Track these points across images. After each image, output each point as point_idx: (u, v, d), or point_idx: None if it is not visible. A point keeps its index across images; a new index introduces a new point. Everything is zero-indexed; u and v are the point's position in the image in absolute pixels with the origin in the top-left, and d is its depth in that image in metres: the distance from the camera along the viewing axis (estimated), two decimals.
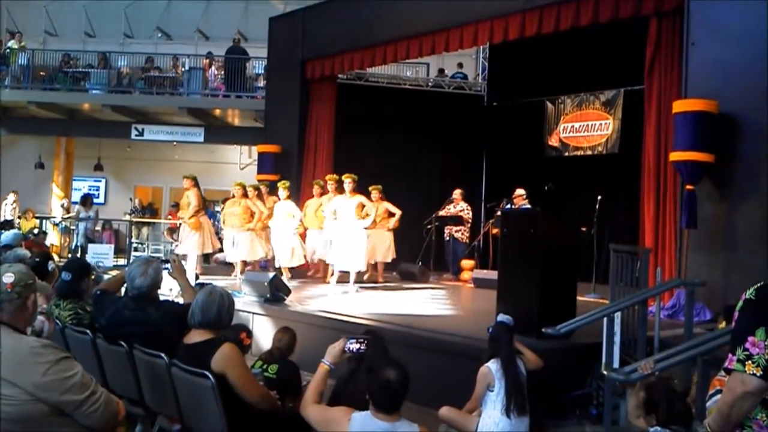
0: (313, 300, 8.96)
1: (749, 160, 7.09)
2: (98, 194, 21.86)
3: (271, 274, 8.80)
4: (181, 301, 4.86)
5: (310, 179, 12.09)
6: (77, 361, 2.92)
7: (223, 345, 3.63)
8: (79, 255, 14.11)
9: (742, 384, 2.28)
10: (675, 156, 7.38)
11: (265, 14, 14.91)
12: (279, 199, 10.86)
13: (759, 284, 2.36)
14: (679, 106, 7.39)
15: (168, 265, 4.79)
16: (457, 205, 11.66)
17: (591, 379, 5.74)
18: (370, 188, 10.50)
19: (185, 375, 3.65)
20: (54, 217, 18.40)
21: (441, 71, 16.26)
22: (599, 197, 10.06)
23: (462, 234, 11.76)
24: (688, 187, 7.34)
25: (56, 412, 2.76)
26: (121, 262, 14.04)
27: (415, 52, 11.30)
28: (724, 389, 2.39)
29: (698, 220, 7.29)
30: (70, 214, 17.74)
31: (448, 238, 11.90)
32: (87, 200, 16.10)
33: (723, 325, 4.97)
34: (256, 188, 11.37)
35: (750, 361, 2.27)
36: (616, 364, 5.35)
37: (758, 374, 2.25)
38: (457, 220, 11.69)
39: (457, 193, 11.73)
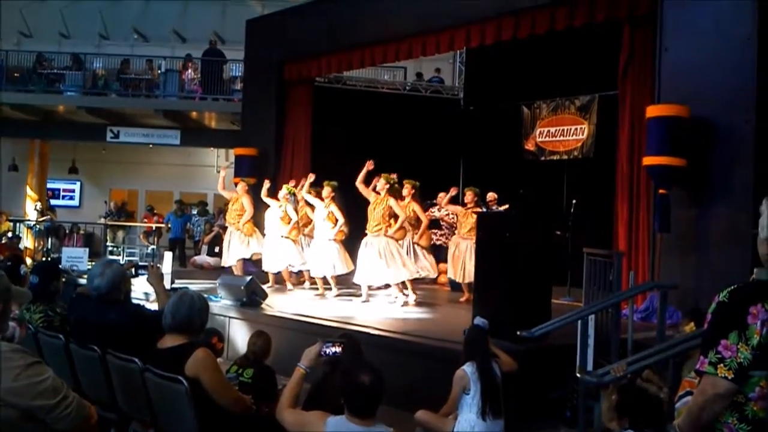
0: (289, 304, 8.95)
1: (721, 164, 7.18)
2: (73, 197, 21.68)
3: (248, 278, 8.77)
4: (155, 306, 4.84)
5: (287, 182, 12.02)
6: (48, 365, 2.90)
7: (197, 350, 3.62)
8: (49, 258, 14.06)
9: (713, 386, 2.30)
10: (648, 160, 7.46)
11: (243, 16, 14.85)
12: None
13: (732, 287, 2.36)
14: (651, 111, 7.47)
15: (144, 271, 4.77)
16: (442, 209, 11.65)
17: (565, 381, 5.78)
18: (405, 182, 9.86)
19: (159, 380, 3.63)
20: (28, 221, 18.19)
21: (419, 75, 16.31)
22: (574, 201, 10.16)
23: (447, 238, 11.74)
24: (660, 191, 7.42)
25: (27, 417, 2.74)
26: None
27: (392, 56, 11.31)
28: (696, 391, 2.40)
29: (671, 223, 7.37)
30: (44, 218, 17.58)
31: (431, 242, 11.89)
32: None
33: (692, 326, 5.02)
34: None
35: (722, 364, 2.27)
36: (590, 367, 5.39)
37: (729, 377, 2.26)
38: (435, 223, 11.69)
39: (441, 197, 11.69)
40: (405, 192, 9.75)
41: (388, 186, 9.20)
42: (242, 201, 10.72)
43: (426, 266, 10.17)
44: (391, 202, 9.16)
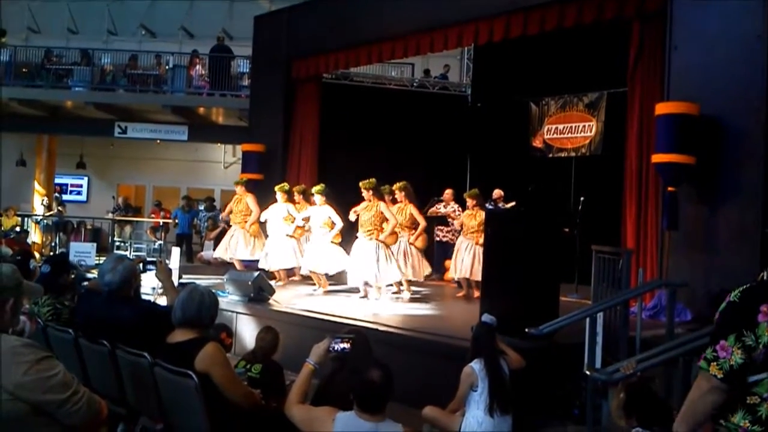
0: (297, 299, 8.96)
1: (730, 163, 7.16)
2: (81, 192, 21.74)
3: (255, 274, 8.78)
4: (162, 301, 4.85)
5: (294, 179, 12.04)
6: (58, 360, 2.91)
7: (206, 344, 3.62)
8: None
9: (707, 381, 2.37)
10: (657, 158, 7.45)
11: (250, 12, 14.86)
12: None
13: (743, 287, 2.39)
14: (660, 108, 7.45)
15: (153, 267, 4.79)
16: (448, 206, 11.64)
17: (573, 379, 5.77)
18: (393, 187, 9.74)
19: (168, 375, 3.63)
20: (36, 215, 18.26)
21: (426, 72, 16.28)
22: (582, 198, 10.14)
23: (453, 235, 11.74)
24: (669, 188, 7.41)
25: (37, 411, 2.74)
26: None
27: (400, 52, 11.30)
28: (693, 386, 2.46)
29: (679, 221, 7.36)
30: (51, 213, 17.64)
31: (437, 239, 11.89)
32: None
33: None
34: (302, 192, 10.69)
35: (715, 363, 2.34)
36: (598, 364, 5.38)
37: (719, 377, 2.33)
38: (441, 220, 11.68)
39: (447, 193, 11.67)
40: (398, 197, 9.65)
41: (371, 191, 9.11)
42: (246, 201, 10.70)
43: (416, 269, 9.96)
44: (382, 206, 9.11)
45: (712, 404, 2.37)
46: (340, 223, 9.66)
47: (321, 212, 9.80)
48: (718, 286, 6.79)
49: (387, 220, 9.08)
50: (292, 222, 10.23)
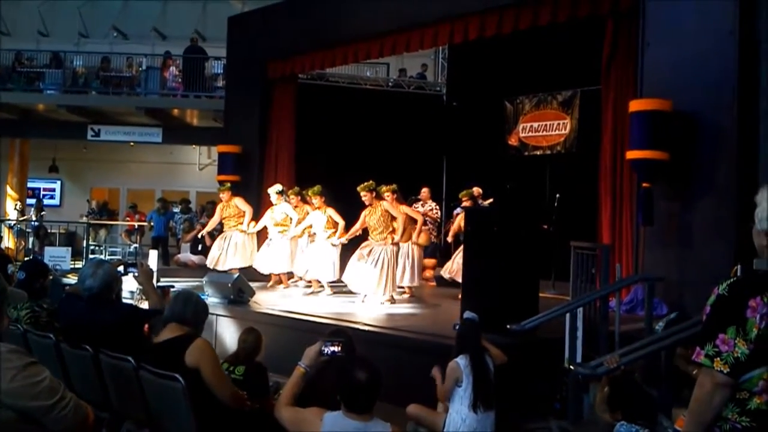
0: (277, 301, 8.94)
1: (703, 158, 7.26)
2: (54, 196, 21.49)
3: (235, 276, 8.75)
4: (145, 306, 4.83)
5: (271, 179, 11.99)
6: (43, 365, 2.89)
7: (196, 339, 3.63)
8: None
9: (711, 377, 2.29)
10: (631, 154, 7.53)
11: (223, 14, 14.80)
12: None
13: (731, 280, 2.35)
14: (634, 105, 7.54)
15: (134, 269, 4.76)
16: (426, 204, 11.66)
17: (554, 373, 5.83)
18: (383, 189, 9.41)
19: (154, 378, 3.62)
20: (9, 220, 18.01)
21: (402, 71, 16.32)
22: (558, 195, 10.23)
23: (431, 233, 11.76)
24: (644, 184, 7.50)
25: (24, 418, 2.71)
26: (79, 265, 13.79)
27: (375, 52, 11.31)
28: (696, 386, 2.37)
29: (654, 216, 7.45)
30: (25, 217, 17.41)
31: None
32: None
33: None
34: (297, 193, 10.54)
35: (718, 358, 2.27)
36: (578, 359, 5.45)
37: (725, 371, 2.26)
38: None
39: (424, 192, 11.69)
40: (388, 199, 9.42)
41: (372, 192, 9.03)
42: (236, 203, 10.57)
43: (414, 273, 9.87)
44: (386, 205, 9.00)
45: (720, 404, 2.30)
46: (342, 222, 9.61)
47: (321, 217, 9.76)
48: (693, 279, 6.90)
49: (395, 218, 8.98)
50: (290, 222, 10.16)
